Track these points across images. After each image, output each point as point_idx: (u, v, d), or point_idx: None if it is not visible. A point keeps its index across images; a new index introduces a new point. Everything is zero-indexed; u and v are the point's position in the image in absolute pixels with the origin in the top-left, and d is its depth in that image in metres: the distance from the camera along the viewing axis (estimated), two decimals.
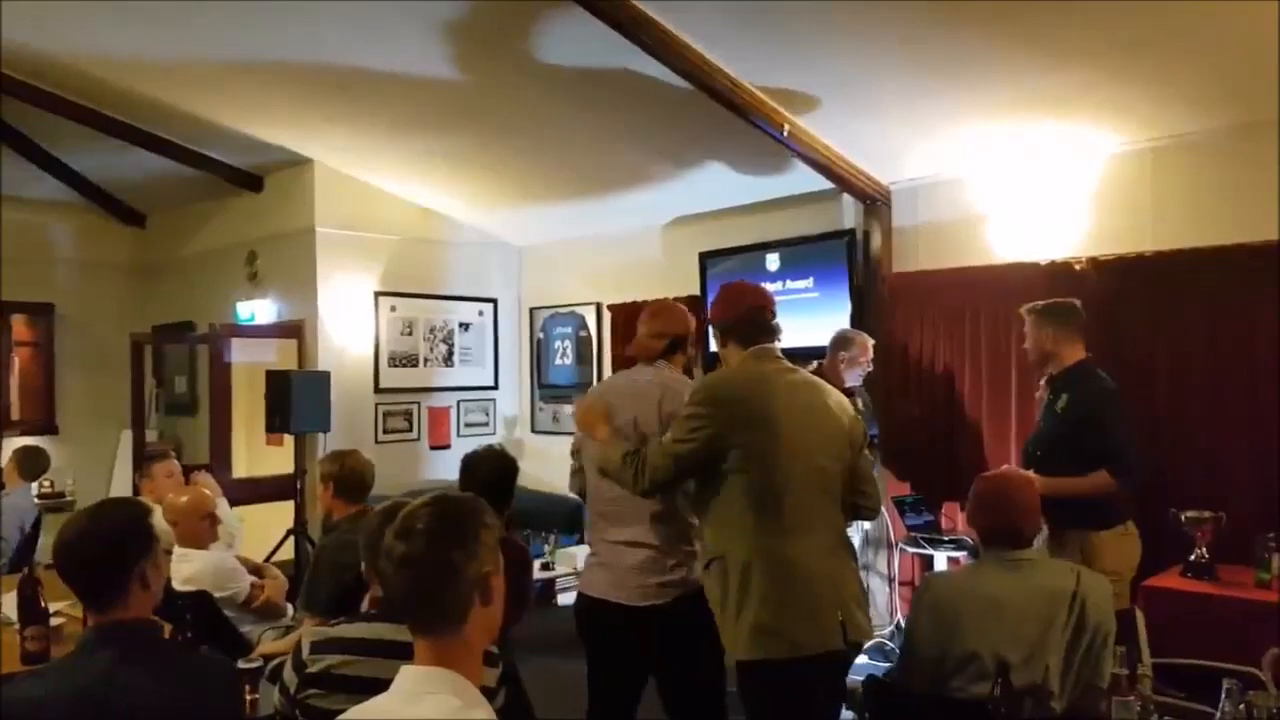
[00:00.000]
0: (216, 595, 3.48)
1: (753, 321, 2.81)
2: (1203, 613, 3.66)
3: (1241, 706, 2.13)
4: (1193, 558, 3.85)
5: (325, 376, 6.65)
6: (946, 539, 5.00)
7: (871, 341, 5.04)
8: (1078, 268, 4.69)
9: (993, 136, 4.83)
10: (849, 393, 4.71)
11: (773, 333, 2.82)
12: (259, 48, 5.13)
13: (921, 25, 4.01)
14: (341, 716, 1.55)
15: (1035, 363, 4.04)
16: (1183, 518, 3.84)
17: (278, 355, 7.31)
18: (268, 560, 5.80)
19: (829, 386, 2.87)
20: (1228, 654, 2.93)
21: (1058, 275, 4.72)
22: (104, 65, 5.58)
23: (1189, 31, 3.74)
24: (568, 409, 7.79)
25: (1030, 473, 3.66)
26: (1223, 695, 2.13)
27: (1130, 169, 4.64)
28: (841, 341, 5.00)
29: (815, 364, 4.73)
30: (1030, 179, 4.95)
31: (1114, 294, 4.43)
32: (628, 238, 7.26)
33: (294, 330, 7.15)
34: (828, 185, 5.50)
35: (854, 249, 5.63)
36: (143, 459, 5.40)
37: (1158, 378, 4.35)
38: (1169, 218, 4.50)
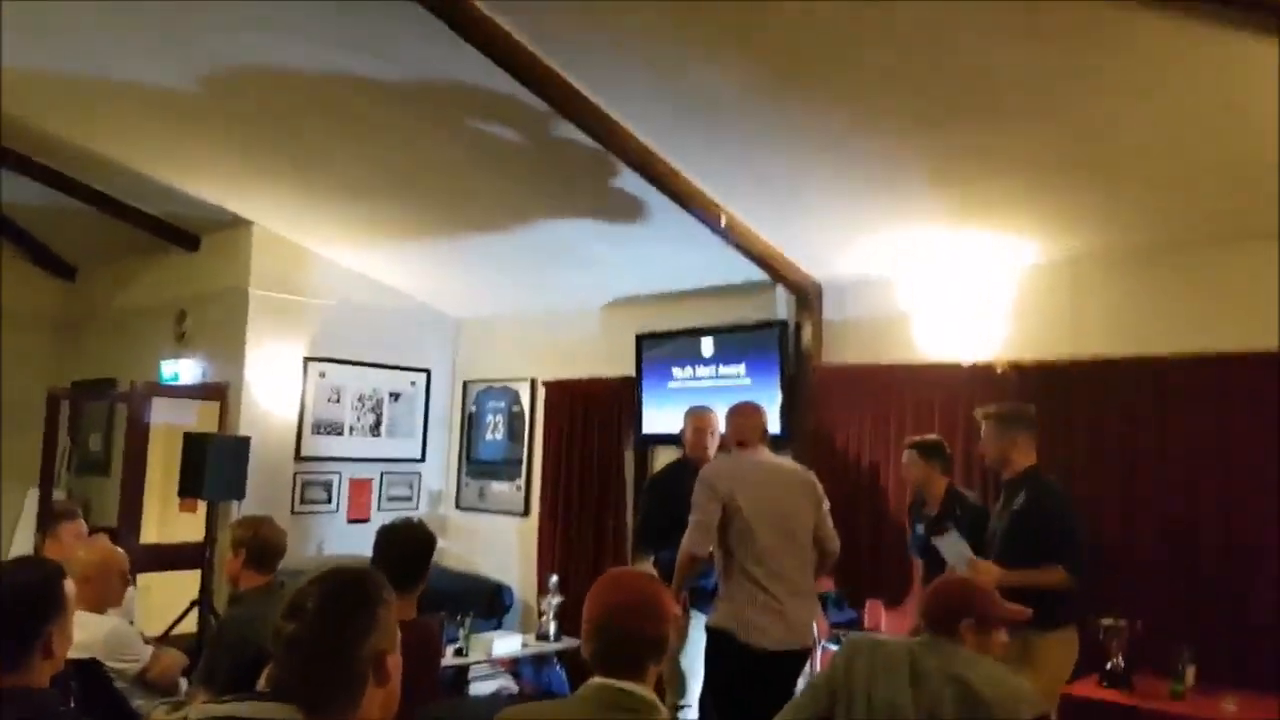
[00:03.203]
0: (110, 665, 3.32)
1: None
2: None
3: None
4: (1109, 666, 3.89)
5: (245, 442, 6.44)
6: None
7: (695, 419, 5.06)
8: (1000, 370, 4.79)
9: (918, 240, 4.96)
10: None
11: None
12: (204, 107, 5.11)
13: (844, 133, 4.16)
14: None
15: (992, 465, 4.11)
16: (1100, 625, 3.88)
17: (198, 417, 7.10)
18: (169, 631, 5.60)
19: None
20: None
21: (980, 377, 4.82)
22: (43, 116, 5.52)
23: (1108, 154, 3.93)
24: (495, 485, 7.67)
25: (990, 564, 3.71)
26: None
27: (1049, 278, 4.80)
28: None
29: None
30: (954, 283, 5.09)
31: (1034, 398, 4.52)
32: (566, 315, 7.26)
33: (217, 392, 6.96)
34: (763, 275, 5.59)
35: (786, 339, 5.70)
36: (47, 518, 5.18)
37: (1075, 481, 4.41)
38: (1087, 327, 4.65)
